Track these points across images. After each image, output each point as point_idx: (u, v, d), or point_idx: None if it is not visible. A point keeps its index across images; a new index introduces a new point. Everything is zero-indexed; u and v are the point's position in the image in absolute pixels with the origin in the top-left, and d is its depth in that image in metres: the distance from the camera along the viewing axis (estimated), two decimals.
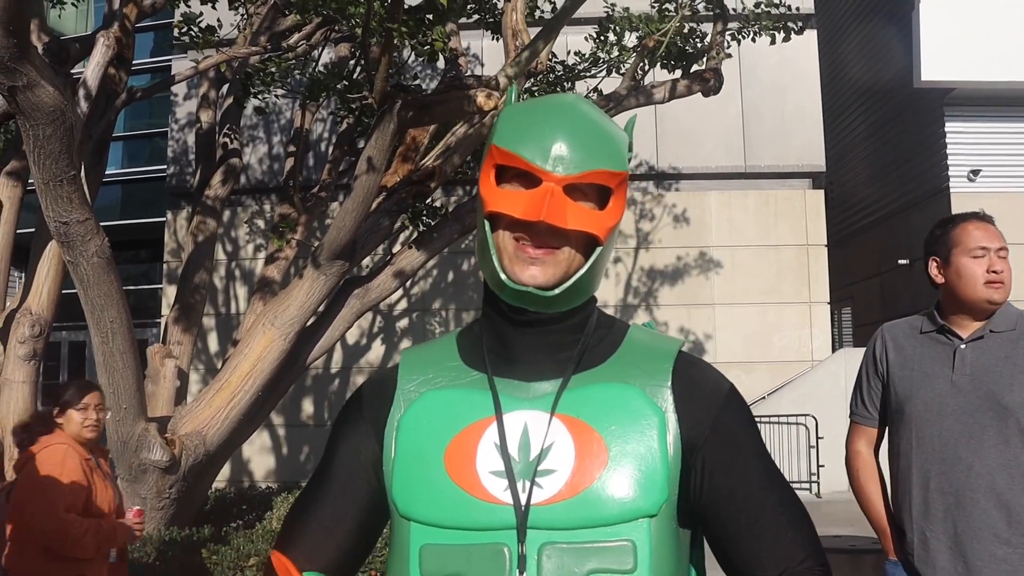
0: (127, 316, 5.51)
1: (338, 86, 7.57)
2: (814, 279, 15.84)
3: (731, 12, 8.99)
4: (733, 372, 15.30)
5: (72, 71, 7.35)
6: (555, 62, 9.74)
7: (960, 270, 2.99)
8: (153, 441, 5.95)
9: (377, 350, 15.92)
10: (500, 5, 8.14)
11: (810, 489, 14.03)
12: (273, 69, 8.10)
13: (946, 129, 16.02)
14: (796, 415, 14.28)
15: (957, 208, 14.84)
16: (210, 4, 8.48)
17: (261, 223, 15.85)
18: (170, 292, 15.47)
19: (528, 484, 1.31)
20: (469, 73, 9.09)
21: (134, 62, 7.66)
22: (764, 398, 15.00)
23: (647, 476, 1.30)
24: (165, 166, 18.62)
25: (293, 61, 8.73)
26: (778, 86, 15.95)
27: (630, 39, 9.38)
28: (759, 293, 15.74)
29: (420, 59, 6.96)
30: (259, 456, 15.78)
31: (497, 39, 8.69)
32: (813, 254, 15.90)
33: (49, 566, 3.81)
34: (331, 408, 15.93)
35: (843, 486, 13.66)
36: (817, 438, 13.98)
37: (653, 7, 8.95)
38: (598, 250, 1.36)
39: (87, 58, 6.73)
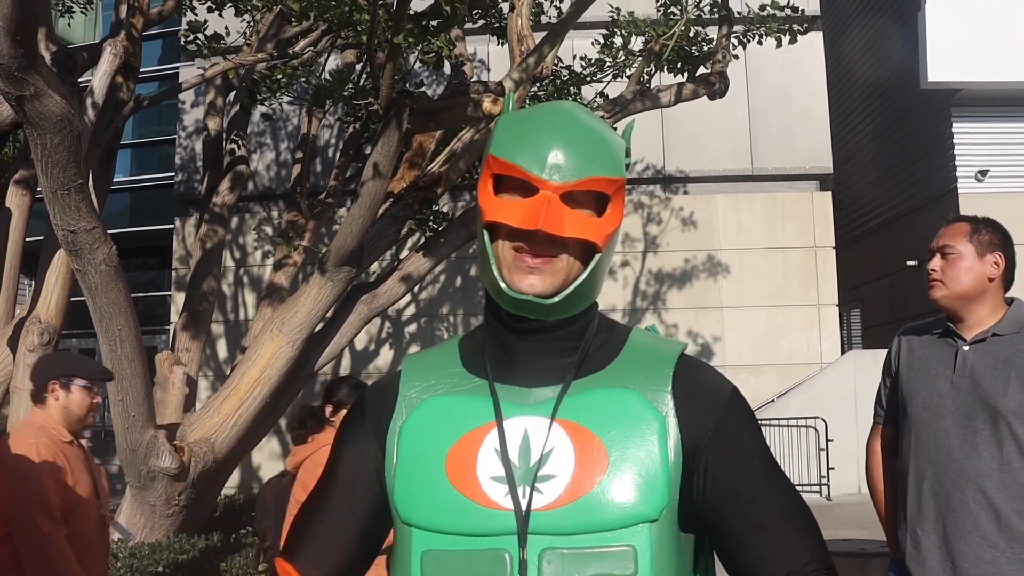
0: (135, 323, 5.53)
1: (344, 93, 7.58)
2: (822, 281, 15.81)
3: (736, 15, 8.99)
4: (742, 375, 15.30)
5: (80, 80, 7.38)
6: (561, 67, 9.75)
7: None
8: (162, 448, 5.96)
9: (385, 355, 15.93)
10: (505, 10, 8.14)
11: (820, 492, 13.99)
12: (279, 76, 8.12)
13: (954, 130, 15.99)
14: (805, 418, 14.24)
15: (965, 209, 14.81)
16: (216, 12, 8.51)
17: (269, 229, 15.88)
18: (179, 299, 15.52)
19: (528, 489, 1.31)
20: (475, 79, 9.10)
21: (141, 70, 7.69)
22: (773, 401, 14.98)
23: (647, 481, 1.30)
24: (173, 173, 18.68)
25: (299, 68, 8.76)
26: (784, 88, 15.93)
27: (636, 43, 9.39)
28: (767, 296, 15.72)
29: (425, 65, 6.98)
30: (268, 462, 15.79)
31: (503, 44, 8.70)
32: (821, 256, 15.88)
33: None
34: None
35: (853, 488, 13.64)
36: (827, 440, 13.94)
37: (658, 11, 8.95)
38: (597, 257, 1.36)
39: (94, 67, 6.76)
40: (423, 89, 10.30)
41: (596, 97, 9.86)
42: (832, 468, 13.88)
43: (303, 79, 9.43)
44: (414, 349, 15.85)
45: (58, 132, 4.40)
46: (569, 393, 1.37)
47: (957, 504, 2.85)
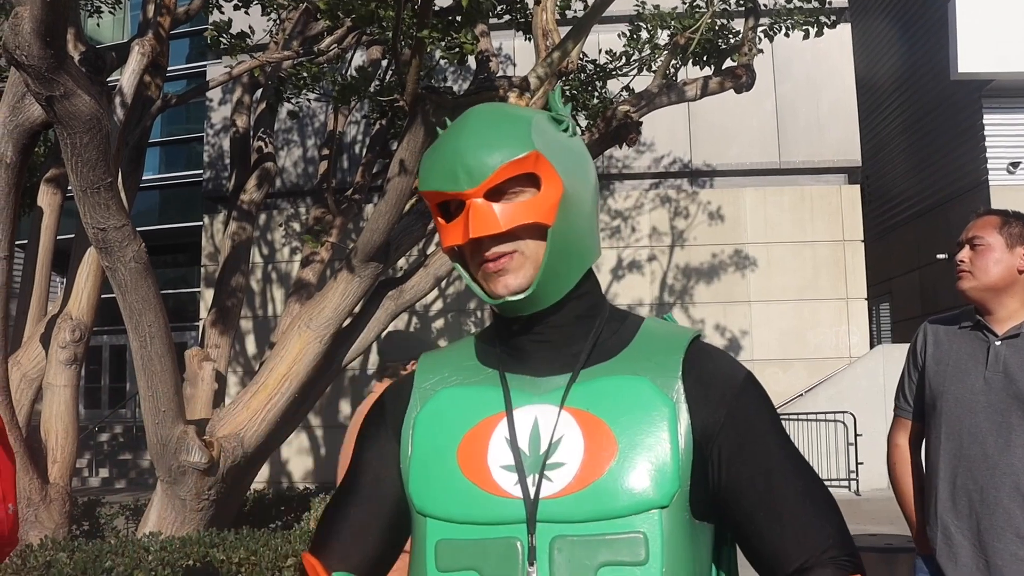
0: (165, 320, 5.57)
1: (370, 89, 7.61)
2: (851, 275, 15.72)
3: (763, 7, 8.94)
4: (769, 369, 15.25)
5: (108, 79, 7.45)
6: (586, 61, 9.74)
7: None
8: (192, 443, 6.01)
9: None
10: (531, 5, 8.14)
11: (849, 487, 13.93)
12: (305, 73, 8.16)
13: (984, 121, 15.84)
14: (834, 412, 14.17)
15: (996, 201, 14.67)
16: (243, 10, 8.55)
17: (296, 226, 15.97)
18: (208, 295, 15.63)
19: (538, 477, 1.32)
20: (500, 74, 9.10)
21: (169, 68, 7.74)
22: (801, 395, 14.91)
23: (657, 467, 1.29)
24: (201, 171, 18.80)
25: (325, 65, 8.79)
26: (812, 81, 15.84)
27: (661, 36, 9.36)
28: (795, 290, 15.65)
29: (450, 61, 6.99)
30: (297, 457, 15.90)
31: (528, 39, 8.70)
32: (850, 250, 15.79)
33: None
34: None
35: (883, 483, 13.56)
36: (855, 435, 13.87)
37: (684, 4, 8.93)
38: (551, 232, 1.34)
39: (123, 66, 6.81)
40: (449, 85, 10.32)
41: (622, 91, 9.85)
42: (861, 463, 13.81)
43: (329, 76, 9.47)
44: (442, 344, 15.88)
45: (88, 131, 4.44)
46: (579, 381, 1.37)
47: (991, 501, 2.82)
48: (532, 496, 1.31)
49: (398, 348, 4.61)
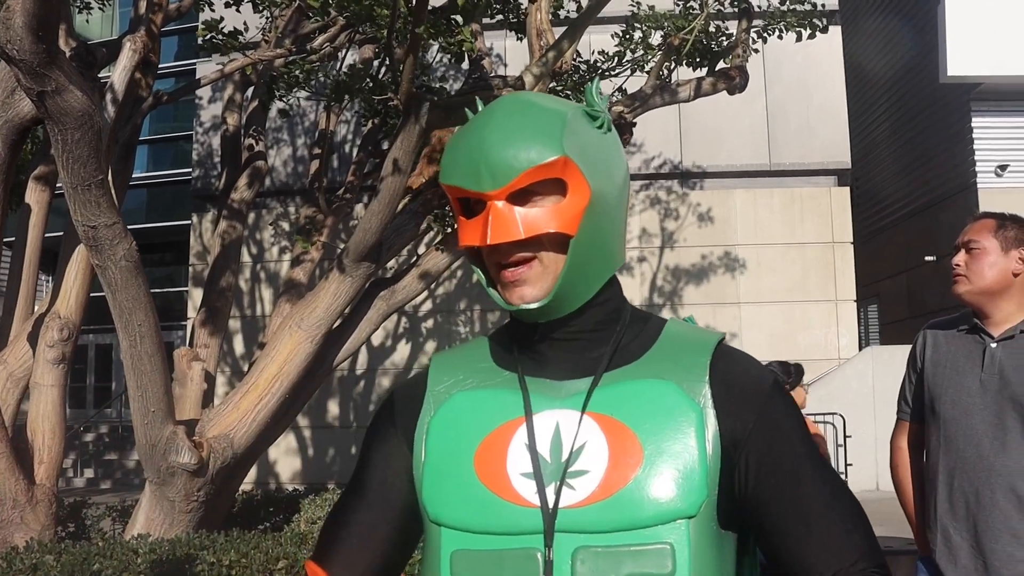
0: (155, 319, 5.52)
1: (362, 88, 7.56)
2: (840, 277, 15.75)
3: (756, 9, 8.94)
4: None
5: (99, 76, 7.38)
6: (580, 61, 9.71)
7: None
8: (181, 444, 5.95)
9: (402, 351, 15.94)
10: (523, 5, 8.12)
11: None
12: (297, 72, 8.11)
13: (973, 124, 15.90)
14: (823, 414, 14.18)
15: (985, 204, 14.73)
16: (234, 7, 8.50)
17: (286, 225, 15.91)
18: (196, 295, 15.56)
19: (558, 485, 1.27)
20: (493, 73, 9.07)
21: (159, 66, 7.68)
22: None
23: (685, 475, 1.25)
24: (190, 169, 18.72)
25: (317, 63, 8.74)
26: (803, 83, 15.87)
27: (655, 37, 9.35)
28: (785, 291, 15.67)
29: (445, 60, 6.95)
30: (285, 458, 15.84)
31: (521, 39, 8.67)
32: (839, 251, 15.81)
33: None
34: (357, 410, 15.97)
35: (872, 485, 13.61)
36: (845, 437, 13.88)
37: (678, 5, 8.92)
38: (573, 242, 1.28)
39: (113, 63, 6.75)
40: (442, 84, 10.29)
41: (615, 92, 9.83)
42: (850, 464, 13.81)
43: (321, 74, 9.42)
44: (431, 345, 15.86)
45: (79, 127, 4.39)
46: (601, 385, 1.32)
47: (988, 502, 2.84)
48: (552, 505, 1.25)
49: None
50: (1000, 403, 2.86)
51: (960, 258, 3.01)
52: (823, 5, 9.43)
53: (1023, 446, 2.82)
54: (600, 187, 1.30)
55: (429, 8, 5.76)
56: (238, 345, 16.00)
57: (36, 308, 7.20)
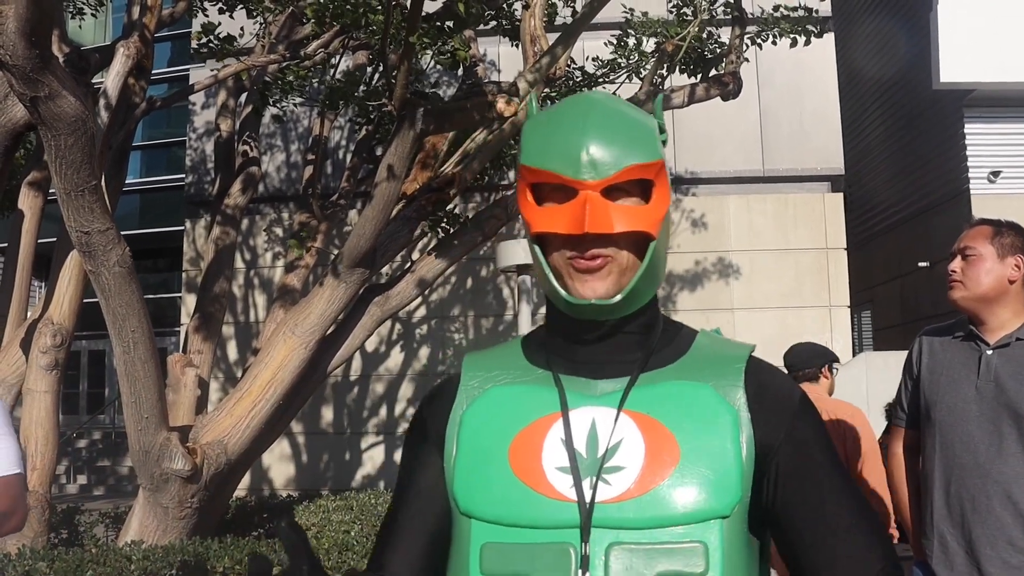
0: (148, 325, 5.51)
1: (357, 94, 7.56)
2: (834, 283, 15.77)
3: (749, 16, 8.96)
4: None
5: (92, 81, 7.37)
6: (574, 68, 9.73)
7: None
8: (175, 450, 5.94)
9: (396, 357, 15.93)
10: (518, 11, 8.13)
11: None
12: (291, 78, 8.10)
13: (966, 131, 15.94)
14: None
15: (977, 210, 14.77)
16: (228, 14, 8.49)
17: (280, 231, 15.89)
18: (189, 301, 15.53)
19: (594, 480, 1.27)
20: (487, 79, 9.07)
21: (152, 71, 7.68)
22: None
23: (720, 476, 1.26)
24: (183, 175, 18.71)
25: (311, 69, 8.74)
26: (796, 89, 15.90)
27: (648, 44, 9.36)
28: (779, 297, 15.68)
29: (439, 66, 6.96)
30: (279, 464, 15.80)
31: (515, 45, 8.68)
32: (833, 258, 15.83)
33: None
34: (351, 416, 15.95)
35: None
36: None
37: (671, 12, 8.93)
38: (652, 245, 1.32)
39: (107, 68, 6.75)
40: (436, 90, 10.29)
41: None
42: None
43: (315, 80, 9.42)
44: (425, 351, 15.84)
45: (72, 133, 4.38)
46: (637, 385, 1.34)
47: (983, 509, 2.85)
48: (589, 500, 1.26)
49: (807, 352, 5.09)
50: (996, 410, 2.87)
51: (956, 264, 3.03)
52: (816, 12, 9.46)
53: (1019, 453, 2.83)
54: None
55: (423, 14, 5.76)
56: (232, 351, 15.97)
57: (29, 314, 7.19)
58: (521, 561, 1.26)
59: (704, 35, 8.72)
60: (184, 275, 16.71)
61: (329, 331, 6.96)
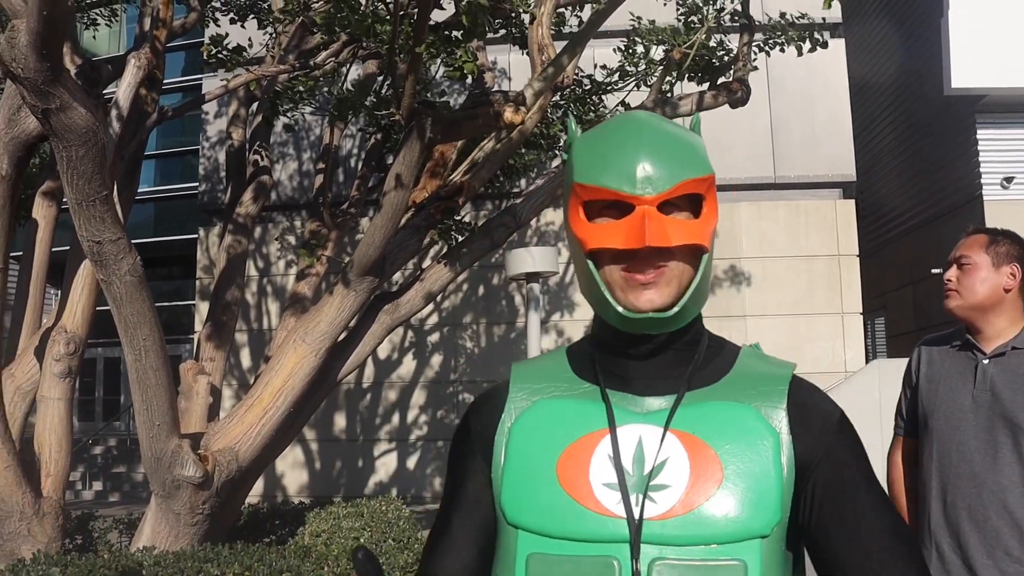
0: (160, 333, 5.56)
1: (366, 103, 7.62)
2: (846, 289, 15.75)
3: (757, 23, 8.97)
4: None
5: (104, 92, 7.45)
6: (582, 76, 9.76)
7: None
8: (186, 457, 5.98)
9: (408, 365, 15.97)
10: (526, 20, 8.17)
11: None
12: (301, 87, 8.16)
13: (978, 136, 15.89)
14: None
15: (990, 216, 14.72)
16: (239, 23, 8.56)
17: (291, 239, 15.97)
18: (203, 308, 15.61)
19: (641, 498, 1.31)
20: (496, 88, 9.12)
21: (164, 81, 7.75)
22: None
23: (761, 496, 1.29)
24: (196, 183, 18.81)
25: (321, 79, 8.80)
26: (807, 96, 15.90)
27: (656, 52, 9.39)
28: (791, 304, 15.67)
29: (450, 77, 7.01)
30: (292, 471, 15.86)
31: (525, 53, 8.73)
32: (845, 264, 15.81)
33: None
34: (363, 423, 15.99)
35: None
36: None
37: (679, 19, 8.95)
38: (705, 257, 1.36)
39: (119, 79, 6.82)
40: (444, 99, 10.35)
41: (617, 106, 9.87)
42: None
43: (325, 90, 9.48)
44: (437, 358, 15.88)
45: (83, 144, 4.45)
46: (683, 404, 1.37)
47: (980, 518, 2.85)
48: (637, 517, 1.30)
49: None
50: (991, 419, 2.87)
51: (952, 273, 3.04)
52: (824, 19, 9.46)
53: (1014, 463, 2.84)
54: None
55: (431, 23, 5.80)
56: (244, 358, 16.04)
57: (43, 322, 7.25)
58: (565, 572, 1.29)
59: (712, 42, 8.74)
60: (198, 283, 16.80)
61: (339, 339, 7.01)
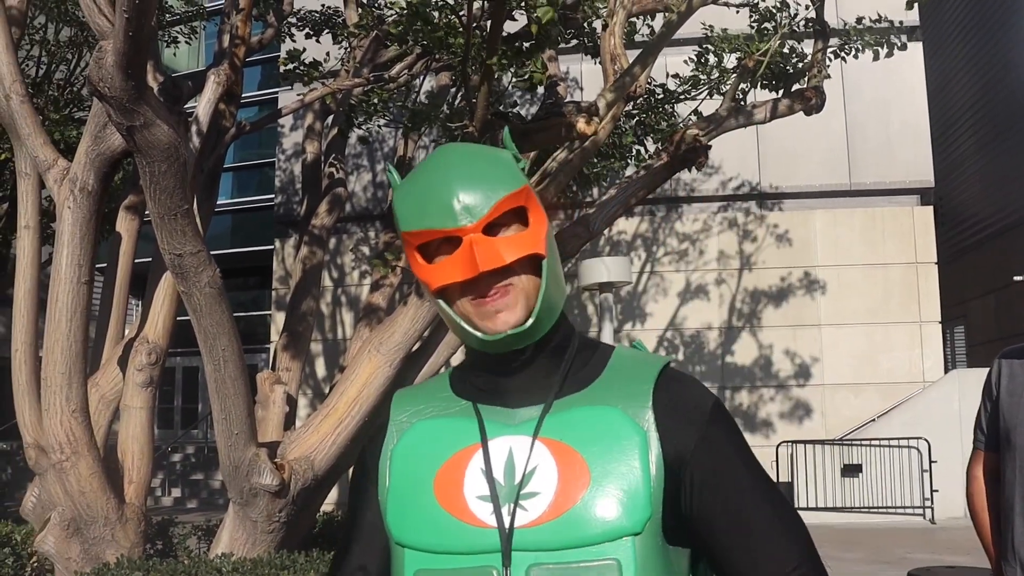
0: (238, 344, 5.66)
1: (439, 115, 7.68)
2: (924, 298, 15.45)
3: (832, 29, 8.86)
4: (841, 394, 15.01)
5: (185, 108, 7.62)
6: (654, 85, 9.73)
7: None
8: (263, 466, 6.08)
9: None
10: (598, 30, 8.18)
11: (923, 515, 13.63)
12: (376, 100, 8.26)
13: None
14: (908, 438, 13.89)
15: None
16: (314, 38, 8.69)
17: (366, 250, 16.14)
18: (278, 318, 15.85)
19: (512, 507, 1.35)
20: (568, 98, 9.13)
21: (242, 95, 7.91)
22: (874, 421, 14.66)
23: (629, 495, 1.32)
24: (273, 195, 19.11)
25: (395, 91, 8.90)
26: (882, 101, 15.65)
27: (729, 60, 9.32)
28: (867, 313, 15.42)
29: (520, 88, 7.04)
30: None
31: (597, 62, 8.72)
32: (923, 272, 15.52)
33: None
34: None
35: (959, 512, 13.26)
36: (930, 462, 13.58)
37: (752, 27, 8.88)
38: (545, 263, 1.39)
39: (198, 94, 6.97)
40: (517, 109, 10.38)
41: (690, 115, 9.82)
42: (936, 490, 13.51)
43: (398, 102, 9.59)
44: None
45: (166, 160, 4.56)
46: (552, 412, 1.40)
47: None
48: (508, 526, 1.34)
49: None
50: None
51: None
52: (901, 22, 9.31)
53: None
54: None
55: (504, 34, 5.84)
56: (319, 368, 16.25)
57: (126, 332, 7.43)
58: None
59: (786, 50, 8.65)
60: (274, 293, 17.07)
61: (413, 349, 7.06)
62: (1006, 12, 16.37)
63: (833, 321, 15.48)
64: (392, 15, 7.80)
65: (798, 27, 8.80)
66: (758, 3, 8.87)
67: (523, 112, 11.48)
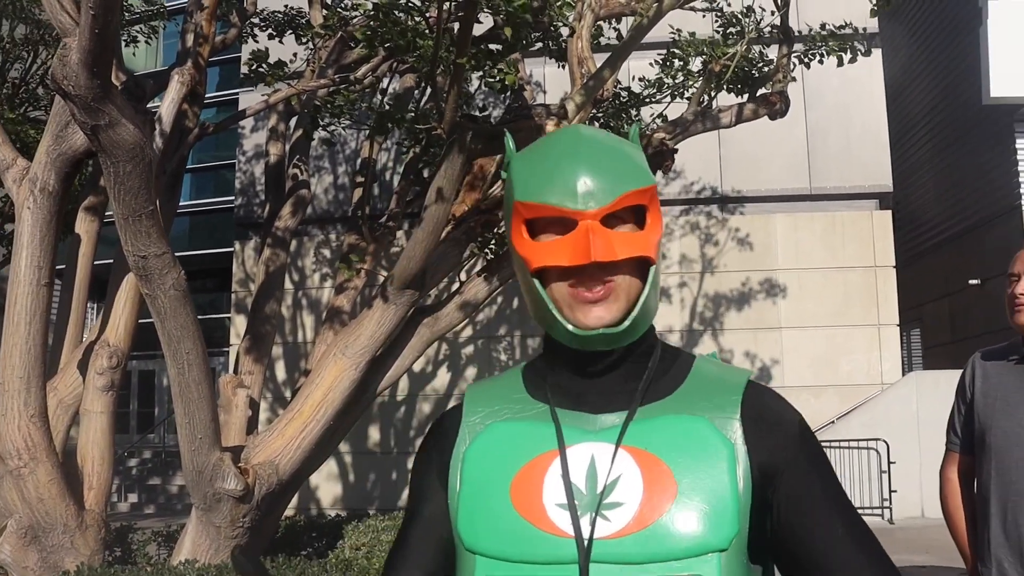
0: (202, 347, 5.59)
1: (405, 117, 7.64)
2: (883, 301, 15.62)
3: (796, 34, 8.93)
4: (802, 396, 15.13)
5: (148, 107, 7.52)
6: (620, 88, 9.75)
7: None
8: (227, 471, 6.00)
9: (443, 377, 15.98)
10: (564, 33, 8.18)
11: (882, 515, 13.77)
12: (340, 101, 8.20)
13: (1017, 146, 15.75)
14: (866, 439, 14.04)
15: None
16: (278, 39, 8.61)
17: (327, 252, 16.03)
18: (238, 321, 15.70)
19: (594, 516, 1.29)
20: (534, 101, 9.12)
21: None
22: (833, 422, 14.79)
23: (717, 510, 1.27)
24: (232, 197, 18.93)
25: (360, 93, 8.84)
26: (843, 106, 15.81)
27: (695, 64, 9.36)
28: (827, 316, 15.55)
29: (486, 88, 7.02)
30: (326, 484, 15.90)
31: (561, 66, 8.72)
32: (881, 276, 15.68)
33: None
34: (397, 436, 16.01)
35: (916, 512, 13.42)
36: (888, 463, 13.73)
37: (718, 32, 8.93)
38: (653, 269, 1.34)
39: (160, 94, 6.88)
40: (484, 113, 10.36)
41: (655, 118, 9.85)
42: (895, 491, 13.66)
43: (364, 104, 9.52)
44: (471, 371, 15.89)
45: (131, 160, 4.48)
46: (635, 419, 1.34)
47: None
48: (588, 536, 1.28)
49: None
50: None
51: (1022, 287, 2.98)
52: (863, 29, 9.41)
53: None
54: None
55: (473, 37, 5.81)
56: (280, 371, 16.11)
57: (85, 336, 7.31)
58: None
59: (751, 54, 8.71)
60: (233, 296, 16.90)
61: (379, 352, 7.01)
62: (962, 20, 16.60)
63: (793, 324, 15.60)
64: (357, 17, 7.75)
65: (763, 32, 8.86)
66: (724, 8, 8.92)
67: (489, 115, 11.46)
